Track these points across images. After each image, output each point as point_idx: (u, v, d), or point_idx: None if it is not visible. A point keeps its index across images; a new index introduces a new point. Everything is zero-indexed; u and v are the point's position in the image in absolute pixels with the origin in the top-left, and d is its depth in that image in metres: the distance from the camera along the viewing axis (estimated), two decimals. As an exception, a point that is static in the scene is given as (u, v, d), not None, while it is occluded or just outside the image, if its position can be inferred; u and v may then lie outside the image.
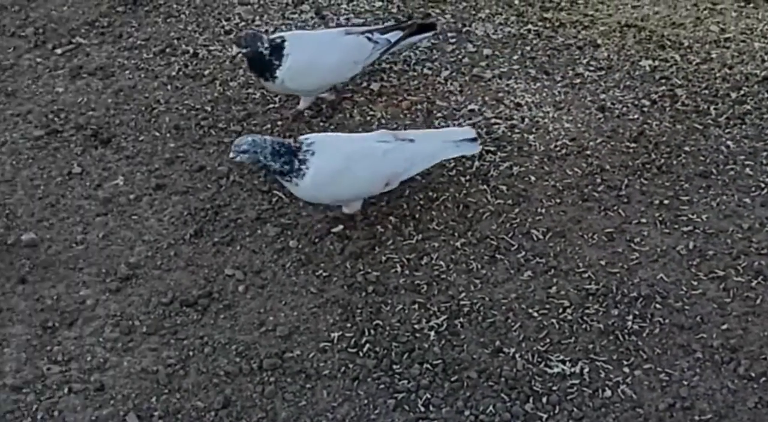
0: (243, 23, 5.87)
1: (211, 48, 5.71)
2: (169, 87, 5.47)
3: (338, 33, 5.23)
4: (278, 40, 5.02)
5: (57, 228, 4.77)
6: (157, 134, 5.22)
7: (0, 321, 4.39)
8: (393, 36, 5.24)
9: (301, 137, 4.57)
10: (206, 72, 5.56)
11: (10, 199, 4.89)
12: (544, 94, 5.40)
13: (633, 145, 5.10)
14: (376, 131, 4.85)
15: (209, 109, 5.35)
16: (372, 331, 4.36)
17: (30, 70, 5.58)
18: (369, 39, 5.19)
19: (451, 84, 5.48)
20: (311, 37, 5.29)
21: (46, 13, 5.94)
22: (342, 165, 4.53)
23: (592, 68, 5.55)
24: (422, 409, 4.10)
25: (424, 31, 5.41)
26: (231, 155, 4.50)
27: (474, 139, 4.79)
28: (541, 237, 4.69)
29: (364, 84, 5.47)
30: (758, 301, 4.43)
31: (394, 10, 5.95)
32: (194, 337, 4.34)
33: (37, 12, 5.94)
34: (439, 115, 5.29)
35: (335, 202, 4.72)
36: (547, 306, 4.43)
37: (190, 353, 4.29)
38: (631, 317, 4.38)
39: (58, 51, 5.69)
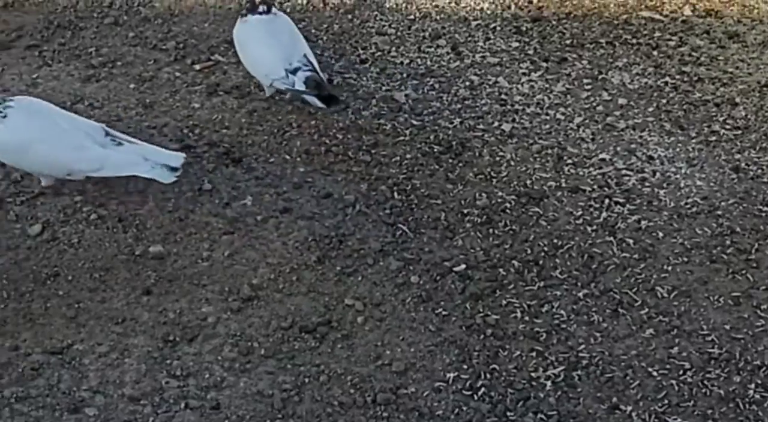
0: (379, 53, 5.91)
1: (345, 75, 5.76)
2: (302, 111, 5.52)
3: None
4: None
5: (184, 242, 4.84)
6: (288, 157, 5.27)
7: (123, 331, 4.46)
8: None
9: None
10: (339, 99, 5.60)
11: (140, 210, 4.97)
12: (678, 149, 5.34)
13: (766, 209, 5.02)
14: (100, 124, 4.87)
15: (340, 136, 5.38)
16: (488, 375, 4.34)
17: (168, 84, 5.68)
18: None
19: (584, 131, 5.45)
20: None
21: (188, 28, 6.04)
22: (22, 139, 4.70)
23: (728, 127, 5.48)
24: (534, 460, 4.08)
25: (322, 101, 5.32)
26: None
27: (175, 169, 4.81)
28: (665, 295, 4.63)
29: (495, 123, 5.47)
30: None
31: (531, 52, 5.94)
32: (311, 364, 4.36)
33: (180, 26, 6.05)
34: (569, 161, 5.26)
35: (25, 171, 4.89)
36: (668, 366, 4.37)
37: (306, 380, 4.31)
38: (753, 386, 4.30)
39: (197, 67, 5.79)
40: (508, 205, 5.05)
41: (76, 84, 5.64)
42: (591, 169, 5.23)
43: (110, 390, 4.24)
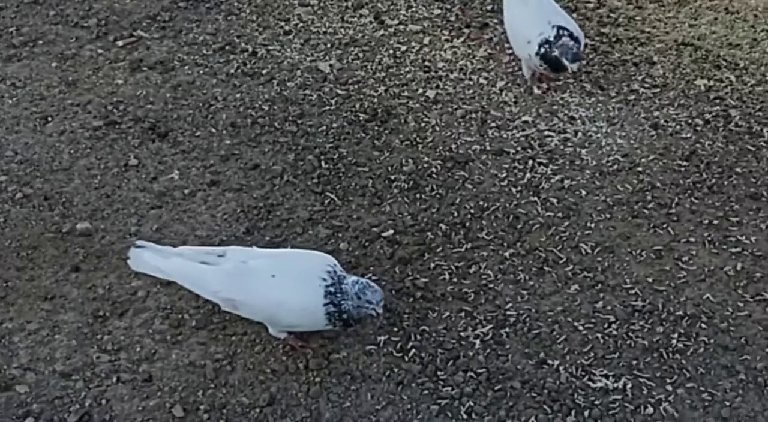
0: (302, 24, 5.93)
1: (270, 47, 5.78)
2: (227, 84, 5.54)
3: None
4: None
5: (112, 219, 4.85)
6: (214, 130, 5.28)
7: (53, 308, 4.46)
8: None
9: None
10: (264, 71, 5.63)
11: (66, 187, 4.97)
12: (598, 109, 5.43)
13: (685, 163, 5.12)
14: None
15: (266, 108, 5.41)
16: (418, 337, 4.40)
17: (91, 61, 5.66)
18: None
19: (506, 94, 5.51)
20: None
21: (109, 5, 6.02)
22: None
23: (647, 85, 5.57)
24: (464, 416, 4.14)
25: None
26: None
27: None
28: (589, 251, 4.72)
29: (420, 90, 5.51)
30: (804, 327, 4.44)
31: (452, 18, 5.99)
32: (242, 334, 4.39)
33: (101, 3, 6.03)
34: (492, 124, 5.33)
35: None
36: (593, 320, 4.45)
37: (238, 349, 4.34)
38: (676, 335, 4.40)
39: (120, 43, 5.78)
40: (434, 169, 5.11)
41: (-2, 64, 5.62)
42: (514, 131, 5.30)
43: (41, 367, 4.25)
